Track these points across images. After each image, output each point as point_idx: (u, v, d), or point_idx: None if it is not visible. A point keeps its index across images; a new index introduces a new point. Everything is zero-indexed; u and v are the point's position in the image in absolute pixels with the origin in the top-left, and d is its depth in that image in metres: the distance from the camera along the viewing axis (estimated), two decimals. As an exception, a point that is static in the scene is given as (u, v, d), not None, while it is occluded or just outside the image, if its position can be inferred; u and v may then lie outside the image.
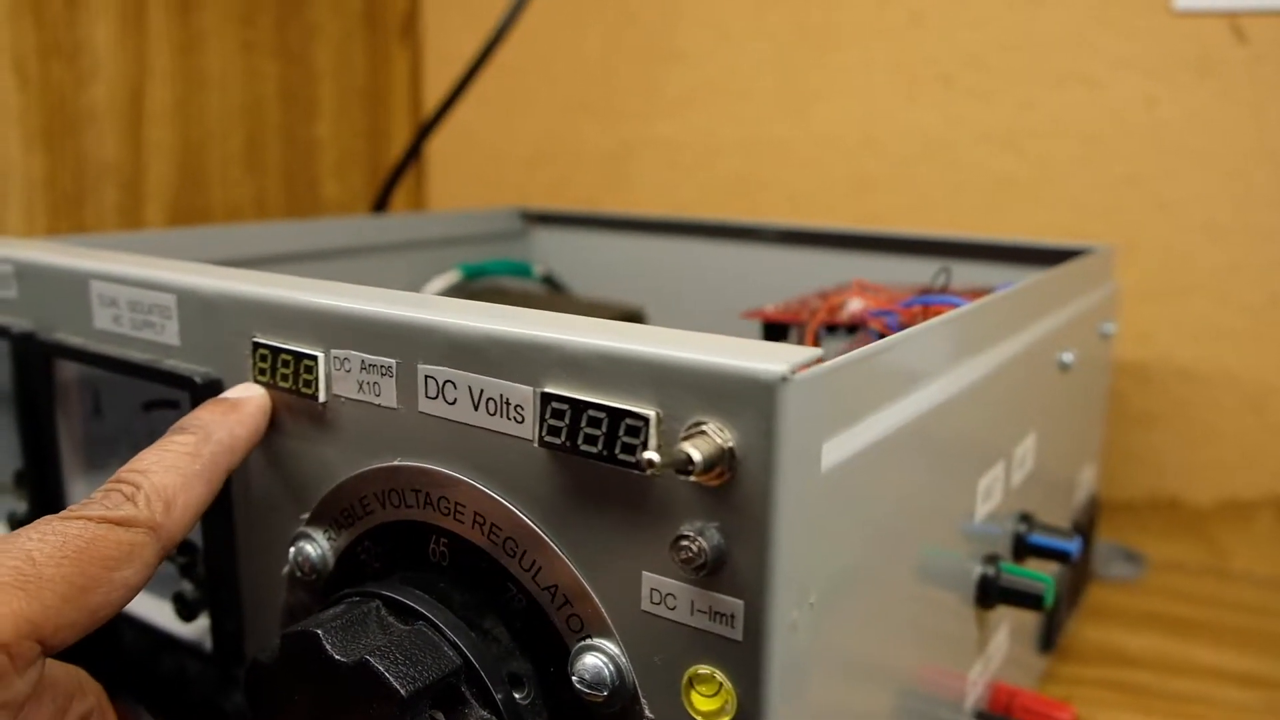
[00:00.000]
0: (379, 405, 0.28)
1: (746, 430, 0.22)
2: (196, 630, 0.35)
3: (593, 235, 0.69)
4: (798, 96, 0.70)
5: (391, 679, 0.24)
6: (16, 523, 0.40)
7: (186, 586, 0.34)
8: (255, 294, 0.30)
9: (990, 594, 0.36)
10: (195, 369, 0.32)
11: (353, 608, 0.27)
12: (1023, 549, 0.40)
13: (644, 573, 0.24)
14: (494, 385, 0.26)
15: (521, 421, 0.25)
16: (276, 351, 0.30)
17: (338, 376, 0.29)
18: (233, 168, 0.68)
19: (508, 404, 0.25)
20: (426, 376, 0.27)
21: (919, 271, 0.55)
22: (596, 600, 0.25)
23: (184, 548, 0.35)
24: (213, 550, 0.33)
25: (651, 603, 0.24)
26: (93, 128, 0.60)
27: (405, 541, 0.29)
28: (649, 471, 0.23)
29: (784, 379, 0.21)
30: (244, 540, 0.33)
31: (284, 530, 0.32)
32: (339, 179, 0.76)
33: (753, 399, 0.22)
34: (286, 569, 0.32)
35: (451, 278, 0.64)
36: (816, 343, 0.44)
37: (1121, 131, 0.61)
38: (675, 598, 0.24)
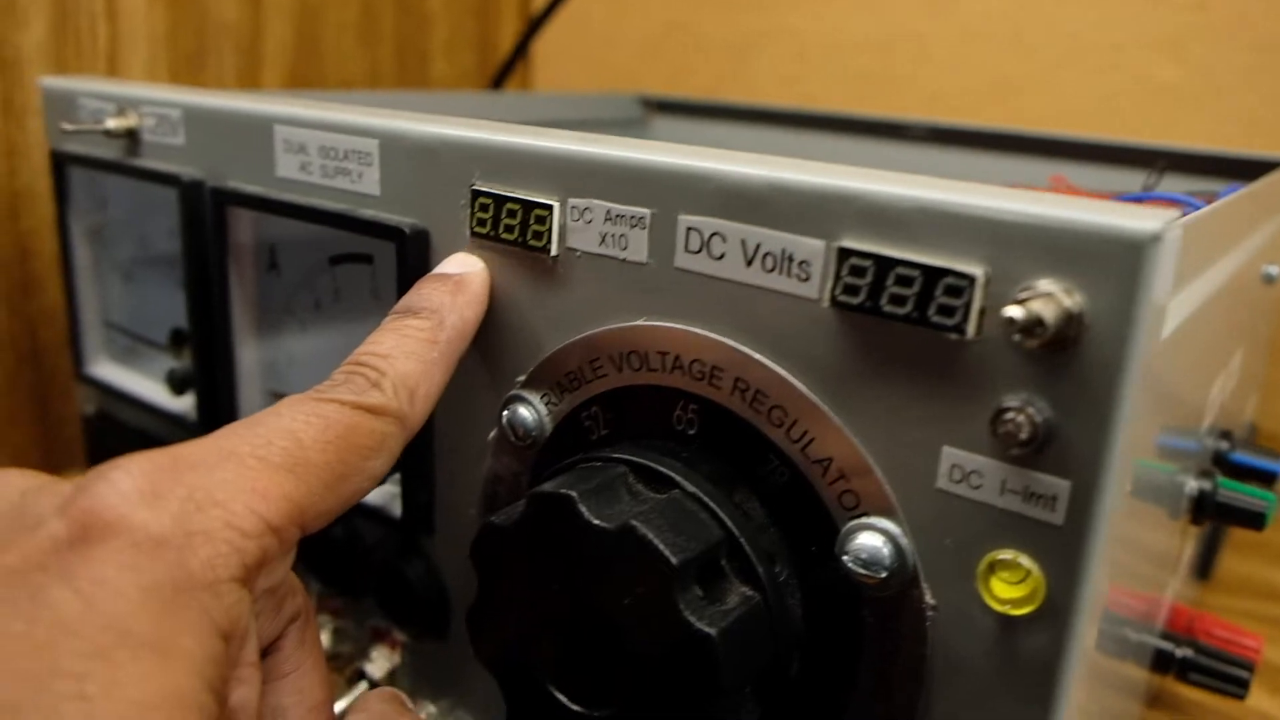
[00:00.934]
0: (624, 260, 0.26)
1: (1101, 293, 0.20)
2: (377, 494, 0.33)
3: (716, 126, 0.66)
4: (943, -12, 0.66)
5: (661, 546, 0.22)
6: (178, 380, 0.38)
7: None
8: (480, 139, 0.28)
9: (1205, 508, 0.34)
10: (402, 219, 0.30)
11: (596, 473, 0.25)
12: (1223, 466, 0.38)
13: (944, 448, 0.22)
14: (775, 239, 0.23)
15: (806, 279, 0.23)
16: (501, 200, 0.28)
17: (575, 228, 0.27)
18: (347, 37, 0.65)
19: (790, 260, 0.23)
20: (689, 228, 0.25)
21: (1079, 178, 0.52)
22: (879, 476, 0.23)
23: (366, 412, 0.33)
24: (408, 413, 0.31)
25: (950, 480, 0.22)
26: (215, -16, 0.57)
27: (642, 407, 0.27)
28: (969, 335, 0.21)
29: (1156, 237, 0.19)
30: (443, 403, 0.31)
31: (489, 394, 0.30)
32: (448, 57, 0.73)
33: (1116, 259, 0.19)
34: (494, 434, 0.30)
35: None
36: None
37: (1298, 38, 0.58)
38: (981, 475, 0.22)
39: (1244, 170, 0.49)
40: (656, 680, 0.23)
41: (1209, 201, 0.33)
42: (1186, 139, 0.61)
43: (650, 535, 0.23)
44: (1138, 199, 0.37)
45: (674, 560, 0.22)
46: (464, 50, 0.74)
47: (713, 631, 0.22)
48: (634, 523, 0.23)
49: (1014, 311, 0.20)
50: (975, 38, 0.66)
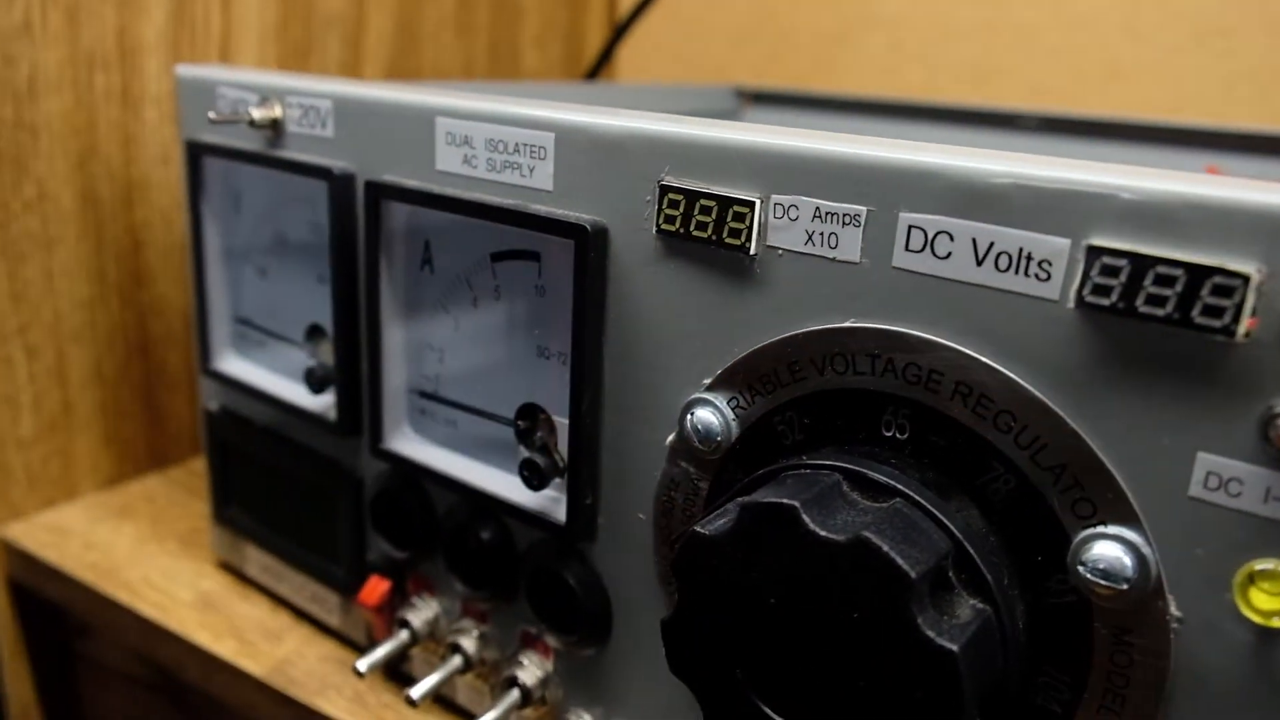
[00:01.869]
0: (834, 259, 0.25)
1: (1399, 294, 0.18)
2: (534, 497, 0.33)
3: (815, 117, 0.65)
4: (1050, -25, 0.64)
5: (898, 558, 0.22)
6: (317, 379, 0.38)
7: (536, 456, 0.32)
8: (672, 132, 0.27)
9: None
10: (580, 216, 0.29)
11: (808, 481, 0.24)
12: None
13: (1199, 454, 0.21)
14: (1012, 237, 0.22)
15: (1046, 279, 0.22)
16: (694, 196, 0.27)
17: (778, 225, 0.26)
18: (444, 29, 0.64)
19: (1029, 259, 0.22)
20: (911, 226, 0.24)
21: (1195, 165, 0.51)
22: (1120, 483, 0.22)
23: (524, 411, 0.33)
24: (577, 416, 0.30)
25: (1206, 488, 0.21)
26: (321, -25, 0.56)
27: (846, 412, 0.26)
28: (1239, 337, 0.20)
29: None
30: (612, 406, 0.30)
31: (668, 395, 0.29)
32: (539, 49, 0.72)
33: None
34: (672, 437, 0.29)
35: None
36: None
37: None
38: (1242, 483, 0.21)
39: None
40: (888, 697, 0.22)
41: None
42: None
43: (885, 547, 0.22)
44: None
45: (912, 573, 0.21)
46: (554, 42, 0.73)
47: (954, 647, 0.21)
48: (867, 534, 0.22)
49: (1304, 315, 0.19)
50: (1083, 24, 0.64)
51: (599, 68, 0.66)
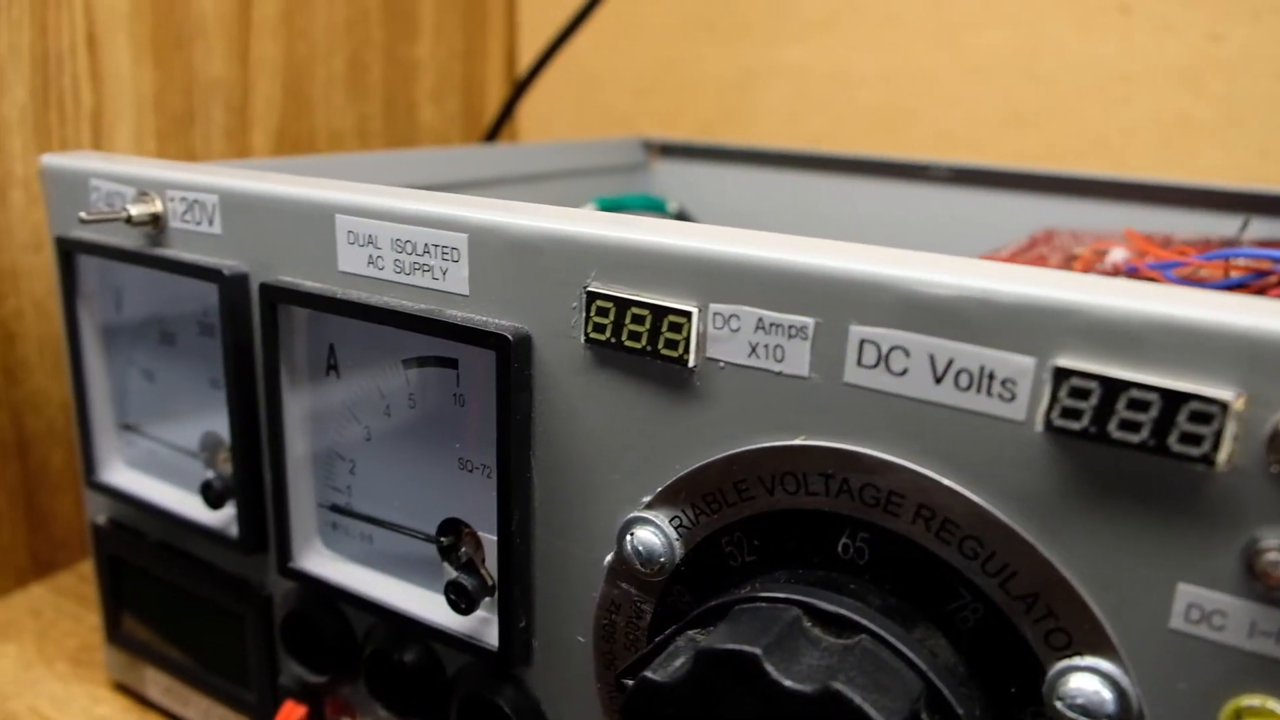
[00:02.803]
0: (780, 373, 0.23)
1: (1387, 420, 0.18)
2: (463, 621, 0.30)
3: (723, 169, 0.64)
4: (950, 24, 0.65)
5: (873, 714, 0.20)
6: (215, 493, 0.35)
7: (462, 576, 0.29)
8: (594, 235, 0.25)
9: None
10: (501, 323, 0.27)
11: (765, 618, 0.22)
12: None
13: (1180, 585, 0.20)
14: (972, 354, 0.21)
15: (1011, 399, 0.21)
16: (624, 304, 0.25)
17: (718, 336, 0.24)
18: (336, 91, 0.62)
19: (991, 377, 0.21)
20: (863, 341, 0.22)
21: (1109, 219, 0.51)
22: (1096, 614, 0.21)
23: (446, 526, 0.30)
24: (506, 534, 0.28)
25: (1188, 620, 0.20)
26: (201, 39, 0.53)
27: (798, 534, 0.24)
28: (1220, 467, 0.19)
29: None
30: (544, 523, 0.28)
31: (605, 512, 0.27)
32: (436, 104, 0.70)
33: (1407, 382, 0.17)
34: (610, 557, 0.27)
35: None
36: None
37: (1315, 68, 0.57)
38: (1226, 616, 0.20)
39: (1266, 205, 0.48)
40: None
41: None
42: (1204, 172, 0.60)
43: (857, 699, 0.20)
44: (1242, 254, 0.35)
45: (887, 727, 0.20)
46: (451, 98, 0.71)
47: (937, 807, 0.20)
48: (837, 686, 0.20)
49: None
50: (984, 71, 0.64)
51: (500, 125, 0.64)
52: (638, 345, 0.25)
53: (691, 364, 0.24)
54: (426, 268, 0.28)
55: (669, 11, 0.73)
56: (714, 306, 0.24)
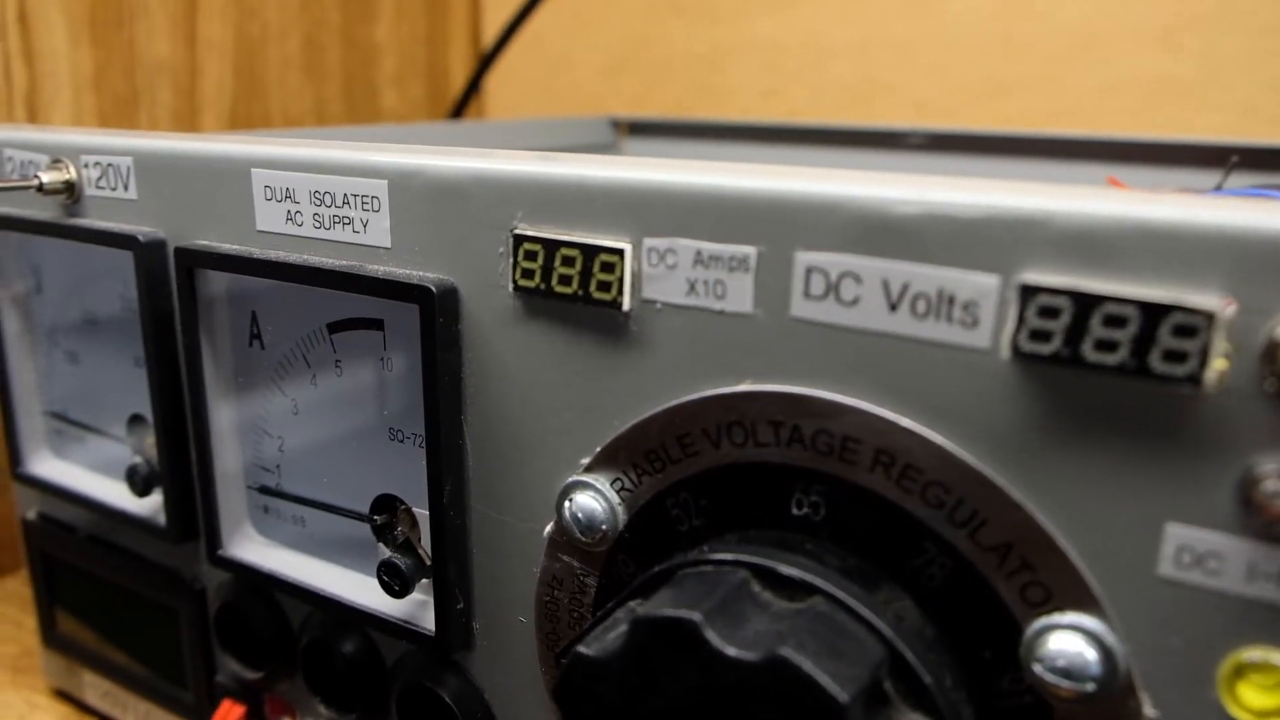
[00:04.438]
0: (722, 311, 0.21)
1: (1395, 324, 0.15)
2: (398, 605, 0.28)
3: (696, 145, 0.62)
4: (924, -11, 0.63)
5: (823, 680, 0.18)
6: (141, 479, 0.33)
7: (396, 556, 0.27)
8: (521, 171, 0.23)
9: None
10: (424, 275, 0.25)
11: (709, 582, 0.20)
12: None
13: (1168, 525, 0.18)
14: (928, 276, 0.19)
15: (973, 325, 0.19)
16: (553, 246, 0.23)
17: (654, 274, 0.22)
18: (291, 73, 0.59)
19: (950, 301, 0.19)
20: (810, 269, 0.20)
21: (1089, 180, 0.49)
22: (1076, 564, 0.19)
23: (380, 504, 0.28)
24: (438, 508, 0.26)
25: (1178, 565, 0.18)
26: (144, 18, 0.51)
27: (748, 491, 0.22)
28: (1207, 387, 0.16)
29: None
30: (480, 494, 0.26)
31: (542, 479, 0.25)
32: (399, 88, 0.68)
33: None
34: (550, 528, 0.25)
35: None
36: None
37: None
38: (1221, 558, 0.17)
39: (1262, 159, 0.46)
40: (824, 846, 0.18)
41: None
42: (1186, 130, 0.58)
43: (806, 666, 0.18)
44: (1236, 194, 0.33)
45: (842, 696, 0.17)
46: (414, 80, 0.69)
47: (900, 783, 0.17)
48: (784, 652, 0.18)
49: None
50: (960, 39, 0.62)
51: (464, 104, 0.62)
52: (569, 290, 0.23)
53: (626, 307, 0.22)
54: (346, 220, 0.26)
55: (636, -12, 0.71)
56: (648, 241, 0.22)
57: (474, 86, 0.61)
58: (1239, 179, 0.41)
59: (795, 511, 0.21)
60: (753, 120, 0.60)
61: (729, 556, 0.21)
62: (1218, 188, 0.38)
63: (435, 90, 0.71)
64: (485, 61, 0.61)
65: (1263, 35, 0.56)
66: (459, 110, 0.62)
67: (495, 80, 0.76)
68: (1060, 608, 0.19)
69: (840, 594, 0.19)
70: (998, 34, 0.61)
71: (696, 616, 0.19)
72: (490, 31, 0.76)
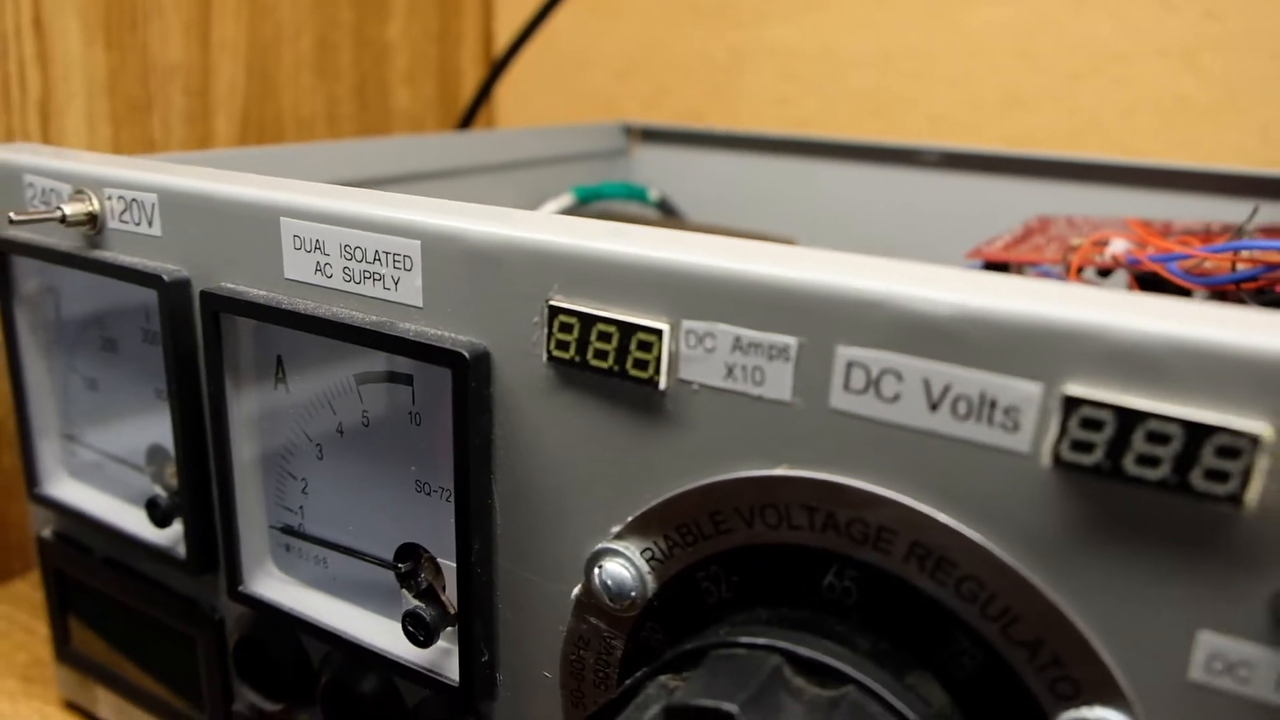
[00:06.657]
0: (760, 397, 0.21)
1: None
2: (423, 654, 0.28)
3: (707, 155, 0.62)
4: (944, 2, 0.62)
5: (860, 779, 0.18)
6: (161, 512, 0.33)
7: (421, 606, 0.27)
8: (558, 244, 0.23)
9: None
10: (457, 338, 0.25)
11: (742, 667, 0.20)
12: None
13: (1201, 633, 0.18)
14: (970, 379, 0.19)
15: (1014, 429, 0.19)
16: (589, 320, 0.23)
17: (692, 356, 0.22)
18: (304, 74, 0.59)
19: (992, 406, 0.19)
20: (851, 363, 0.20)
21: (1105, 204, 0.49)
22: (1107, 663, 0.19)
23: (404, 551, 0.28)
24: (466, 564, 0.26)
25: (1209, 671, 0.18)
26: (157, 20, 0.50)
27: (781, 570, 0.22)
28: (1249, 507, 0.17)
29: None
30: (507, 552, 0.26)
31: (572, 543, 0.25)
32: (410, 87, 0.67)
33: None
34: (578, 590, 0.25)
35: (565, 201, 0.56)
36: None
37: (1320, 47, 0.55)
38: (1251, 667, 0.18)
39: (1270, 189, 0.46)
40: None
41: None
42: (1203, 154, 0.58)
43: (844, 765, 0.18)
44: (1235, 248, 0.33)
45: (878, 796, 0.18)
46: (426, 80, 0.68)
47: None
48: (822, 749, 0.18)
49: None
50: (980, 52, 0.62)
51: (476, 108, 0.61)
52: (604, 365, 0.23)
53: (663, 386, 0.22)
54: (377, 276, 0.26)
55: (651, -10, 0.70)
56: (686, 324, 0.22)
57: (484, 94, 0.61)
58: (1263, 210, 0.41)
59: (827, 593, 0.22)
60: (766, 132, 0.60)
61: (763, 641, 0.21)
62: (1237, 234, 0.38)
63: (446, 89, 0.71)
64: (497, 68, 0.61)
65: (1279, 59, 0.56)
66: (471, 113, 0.61)
67: (506, 80, 0.75)
68: (1089, 703, 0.19)
69: (875, 685, 0.20)
70: (1017, 49, 0.61)
71: (733, 708, 0.19)
72: (503, 27, 0.75)
